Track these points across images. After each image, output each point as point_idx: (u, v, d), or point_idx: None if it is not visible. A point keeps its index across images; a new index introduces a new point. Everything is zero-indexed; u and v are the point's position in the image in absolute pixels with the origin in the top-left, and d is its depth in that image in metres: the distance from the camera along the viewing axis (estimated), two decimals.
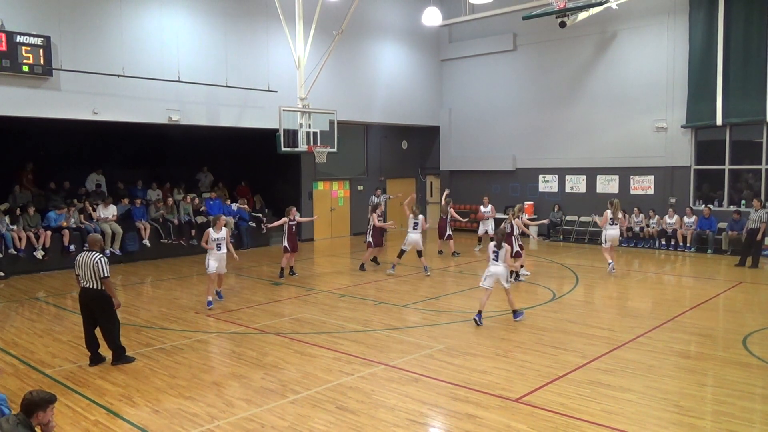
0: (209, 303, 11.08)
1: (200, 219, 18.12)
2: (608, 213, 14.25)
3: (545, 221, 17.61)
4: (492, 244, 9.99)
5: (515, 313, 10.03)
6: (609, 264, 14.20)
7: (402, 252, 14.53)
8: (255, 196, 20.62)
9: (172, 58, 15.69)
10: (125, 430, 6.09)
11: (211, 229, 11.10)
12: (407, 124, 23.13)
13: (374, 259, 15.49)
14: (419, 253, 14.41)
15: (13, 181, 16.20)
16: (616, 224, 14.36)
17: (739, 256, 15.30)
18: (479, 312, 9.73)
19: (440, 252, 17.39)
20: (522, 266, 14.13)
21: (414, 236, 14.24)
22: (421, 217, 14.51)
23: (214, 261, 11.01)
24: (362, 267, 14.96)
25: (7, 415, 4.65)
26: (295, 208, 14.13)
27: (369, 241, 15.02)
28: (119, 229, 16.14)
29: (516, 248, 12.82)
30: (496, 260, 9.84)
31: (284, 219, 13.78)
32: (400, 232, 23.01)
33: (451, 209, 16.92)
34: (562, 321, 10.06)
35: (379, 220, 14.91)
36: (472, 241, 19.07)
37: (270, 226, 15.42)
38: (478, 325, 9.62)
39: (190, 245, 17.65)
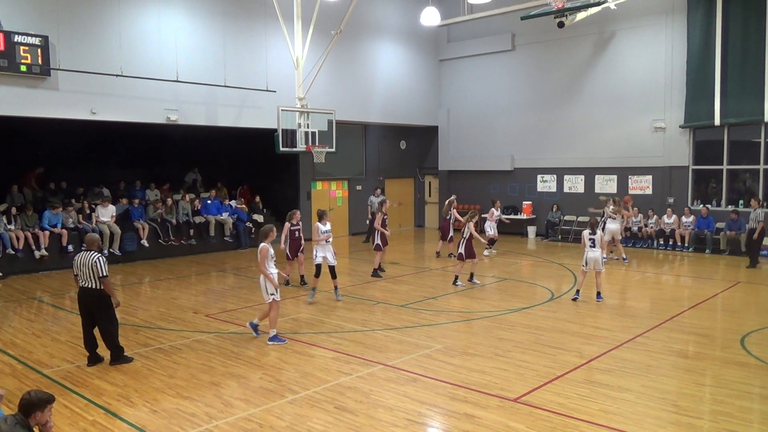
0: (279, 338, 8.95)
1: (198, 219, 18.12)
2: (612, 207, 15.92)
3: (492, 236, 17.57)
4: (587, 231, 11.18)
5: (599, 295, 11.33)
6: (623, 258, 15.99)
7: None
8: (255, 196, 20.57)
9: (171, 57, 15.68)
10: (123, 430, 6.08)
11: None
12: (406, 124, 23.14)
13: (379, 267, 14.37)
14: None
15: (11, 181, 16.16)
16: (615, 218, 15.94)
17: (748, 258, 15.25)
18: (577, 291, 11.32)
19: (438, 254, 17.15)
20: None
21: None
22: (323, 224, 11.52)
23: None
24: (375, 273, 14.02)
25: (4, 416, 4.64)
26: (298, 212, 12.86)
27: (378, 244, 14.11)
28: (117, 229, 16.12)
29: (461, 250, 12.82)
30: (594, 246, 11.03)
31: (287, 225, 12.59)
32: (399, 233, 23.03)
33: (454, 210, 16.42)
34: (561, 321, 10.07)
35: (384, 216, 14.16)
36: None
37: (282, 243, 12.57)
38: (574, 299, 11.25)
39: (189, 245, 17.67)
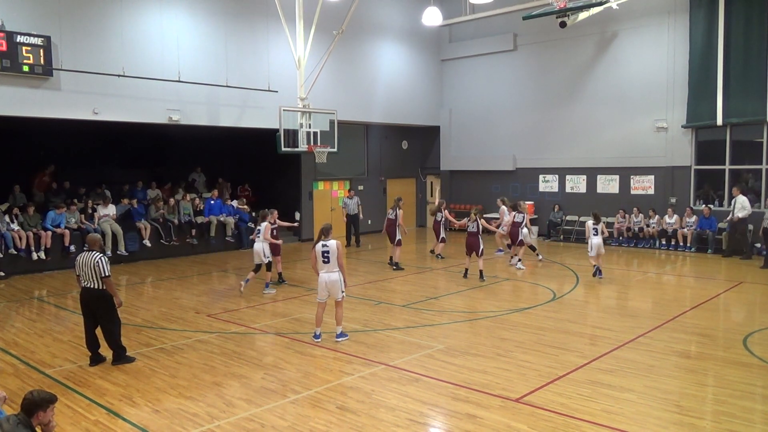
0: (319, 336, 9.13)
1: (200, 219, 18.13)
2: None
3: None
4: (591, 222, 13.33)
5: (599, 271, 13.34)
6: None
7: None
8: (256, 197, 20.58)
9: (173, 58, 15.69)
10: (125, 430, 6.09)
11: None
12: (407, 124, 23.13)
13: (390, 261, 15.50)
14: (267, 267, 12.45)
15: (14, 181, 16.17)
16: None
17: (764, 258, 15.13)
18: (596, 267, 13.29)
19: (432, 251, 17.24)
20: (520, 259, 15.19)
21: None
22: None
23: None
24: (398, 267, 15.03)
25: (7, 416, 4.65)
26: (276, 212, 13.03)
27: (399, 239, 15.31)
28: (119, 229, 16.13)
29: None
30: (596, 234, 13.19)
31: (267, 225, 12.59)
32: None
33: (445, 211, 16.52)
34: (563, 321, 10.06)
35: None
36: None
37: (278, 240, 13.13)
38: (598, 276, 13.20)
39: (191, 245, 17.68)
